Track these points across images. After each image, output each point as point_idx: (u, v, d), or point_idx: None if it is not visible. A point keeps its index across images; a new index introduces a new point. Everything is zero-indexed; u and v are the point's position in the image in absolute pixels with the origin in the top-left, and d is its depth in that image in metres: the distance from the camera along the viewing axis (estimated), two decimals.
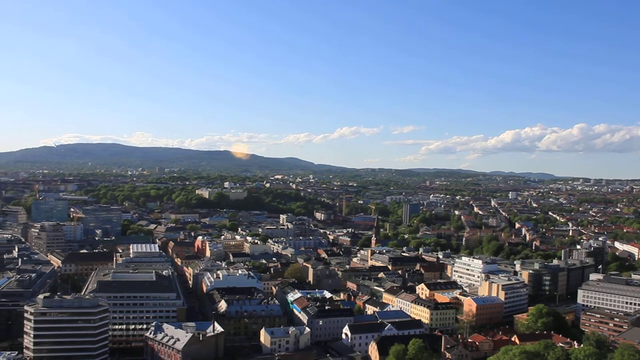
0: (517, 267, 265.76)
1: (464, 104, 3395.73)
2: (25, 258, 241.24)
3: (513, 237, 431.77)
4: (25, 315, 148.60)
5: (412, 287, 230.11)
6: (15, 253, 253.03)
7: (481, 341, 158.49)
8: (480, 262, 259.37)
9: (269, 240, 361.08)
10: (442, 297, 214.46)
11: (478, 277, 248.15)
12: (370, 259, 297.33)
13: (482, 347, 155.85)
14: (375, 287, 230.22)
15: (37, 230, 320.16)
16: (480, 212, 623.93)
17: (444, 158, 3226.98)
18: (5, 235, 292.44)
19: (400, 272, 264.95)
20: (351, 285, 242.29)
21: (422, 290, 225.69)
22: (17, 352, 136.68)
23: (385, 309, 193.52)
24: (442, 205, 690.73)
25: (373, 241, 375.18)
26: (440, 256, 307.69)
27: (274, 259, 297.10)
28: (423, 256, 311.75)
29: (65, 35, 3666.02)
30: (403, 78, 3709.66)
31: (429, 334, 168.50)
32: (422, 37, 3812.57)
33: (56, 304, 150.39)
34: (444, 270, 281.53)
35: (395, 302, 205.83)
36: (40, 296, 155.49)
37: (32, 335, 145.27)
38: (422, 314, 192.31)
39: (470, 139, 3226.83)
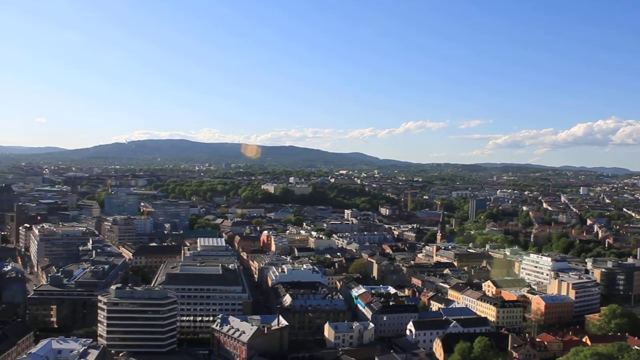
0: (589, 266, 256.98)
1: (533, 97, 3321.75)
2: (98, 250, 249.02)
3: (584, 234, 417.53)
4: (99, 304, 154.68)
5: (478, 284, 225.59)
6: (89, 245, 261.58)
7: (550, 341, 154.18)
8: (549, 259, 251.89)
9: (334, 235, 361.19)
10: (509, 294, 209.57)
11: (547, 275, 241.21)
12: (436, 255, 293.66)
13: (550, 347, 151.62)
14: (441, 284, 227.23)
15: (110, 224, 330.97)
16: (549, 208, 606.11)
17: (511, 152, 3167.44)
18: (80, 228, 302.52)
19: (466, 268, 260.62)
20: (416, 281, 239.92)
21: (488, 287, 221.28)
22: (91, 340, 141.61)
23: (451, 306, 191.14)
24: (510, 201, 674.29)
25: (438, 237, 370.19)
26: (508, 253, 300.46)
27: (338, 253, 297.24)
28: (490, 253, 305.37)
29: (139, 33, 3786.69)
30: (469, 73, 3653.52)
31: (495, 332, 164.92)
32: (487, 33, 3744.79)
33: (127, 294, 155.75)
34: (512, 267, 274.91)
35: (461, 299, 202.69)
36: (113, 287, 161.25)
37: (105, 324, 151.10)
38: (488, 311, 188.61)
39: (539, 132, 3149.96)
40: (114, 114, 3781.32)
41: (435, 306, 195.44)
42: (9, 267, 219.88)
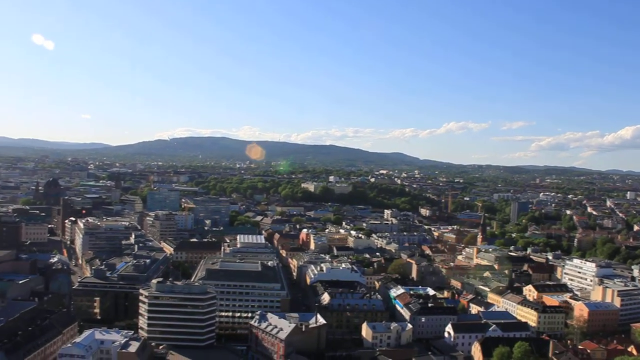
0: (635, 272, 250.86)
1: (578, 100, 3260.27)
2: (140, 244, 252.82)
3: (631, 240, 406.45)
4: (140, 298, 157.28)
5: (518, 288, 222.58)
6: (132, 239, 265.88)
7: (593, 349, 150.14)
8: (593, 265, 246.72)
9: (373, 234, 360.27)
10: (550, 300, 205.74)
11: (591, 281, 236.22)
12: (476, 258, 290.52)
13: (594, 355, 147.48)
14: (480, 286, 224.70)
15: (152, 219, 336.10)
16: (594, 213, 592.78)
17: (555, 155, 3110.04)
18: (123, 223, 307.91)
19: (506, 271, 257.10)
20: (455, 283, 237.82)
21: (529, 291, 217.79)
22: (133, 332, 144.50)
23: (490, 309, 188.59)
24: (553, 204, 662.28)
25: (479, 239, 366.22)
26: (550, 257, 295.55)
27: (377, 253, 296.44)
28: (531, 256, 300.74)
29: (183, 30, 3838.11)
30: (512, 75, 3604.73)
31: (535, 337, 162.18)
32: (531, 37, 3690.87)
33: (168, 289, 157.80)
34: (554, 272, 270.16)
35: (501, 303, 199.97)
36: (154, 281, 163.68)
37: (146, 317, 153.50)
38: (528, 316, 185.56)
39: (584, 135, 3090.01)
40: (157, 111, 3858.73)
41: (474, 309, 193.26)
42: (56, 259, 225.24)
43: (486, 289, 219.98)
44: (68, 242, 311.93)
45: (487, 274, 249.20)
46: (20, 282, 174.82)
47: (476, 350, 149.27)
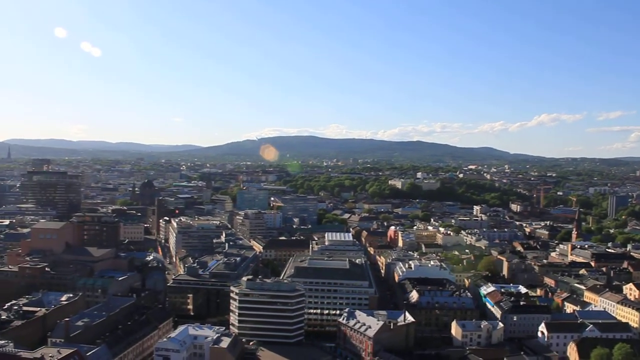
0: None
1: None
2: (231, 243, 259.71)
3: None
4: (231, 295, 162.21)
5: (618, 287, 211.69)
6: (222, 238, 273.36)
7: None
8: None
9: (462, 231, 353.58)
10: None
11: None
12: (571, 254, 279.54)
13: None
14: (576, 285, 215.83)
15: (241, 218, 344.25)
16: None
17: None
18: (214, 222, 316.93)
19: (604, 269, 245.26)
20: (549, 281, 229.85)
21: (630, 290, 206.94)
22: (224, 328, 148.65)
23: (587, 309, 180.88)
24: None
25: (574, 235, 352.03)
26: None
27: (466, 250, 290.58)
28: (632, 253, 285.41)
29: (272, 30, 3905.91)
30: (607, 66, 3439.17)
31: (638, 339, 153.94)
32: (627, 33, 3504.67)
33: (258, 286, 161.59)
34: None
35: (598, 302, 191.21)
36: (244, 278, 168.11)
37: (236, 314, 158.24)
38: (630, 316, 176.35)
39: None
40: (245, 112, 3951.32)
41: (569, 308, 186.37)
42: (151, 257, 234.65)
43: (582, 287, 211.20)
44: (162, 241, 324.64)
45: (582, 271, 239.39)
46: (120, 279, 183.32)
47: (572, 351, 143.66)
